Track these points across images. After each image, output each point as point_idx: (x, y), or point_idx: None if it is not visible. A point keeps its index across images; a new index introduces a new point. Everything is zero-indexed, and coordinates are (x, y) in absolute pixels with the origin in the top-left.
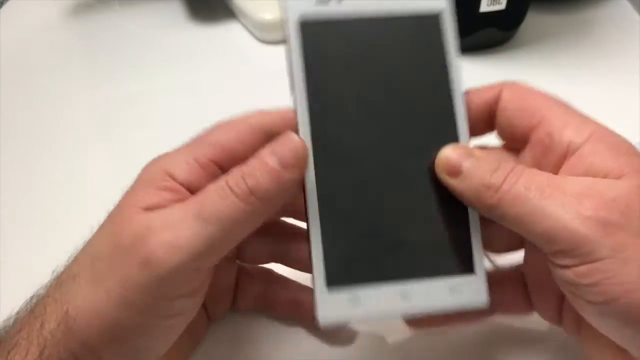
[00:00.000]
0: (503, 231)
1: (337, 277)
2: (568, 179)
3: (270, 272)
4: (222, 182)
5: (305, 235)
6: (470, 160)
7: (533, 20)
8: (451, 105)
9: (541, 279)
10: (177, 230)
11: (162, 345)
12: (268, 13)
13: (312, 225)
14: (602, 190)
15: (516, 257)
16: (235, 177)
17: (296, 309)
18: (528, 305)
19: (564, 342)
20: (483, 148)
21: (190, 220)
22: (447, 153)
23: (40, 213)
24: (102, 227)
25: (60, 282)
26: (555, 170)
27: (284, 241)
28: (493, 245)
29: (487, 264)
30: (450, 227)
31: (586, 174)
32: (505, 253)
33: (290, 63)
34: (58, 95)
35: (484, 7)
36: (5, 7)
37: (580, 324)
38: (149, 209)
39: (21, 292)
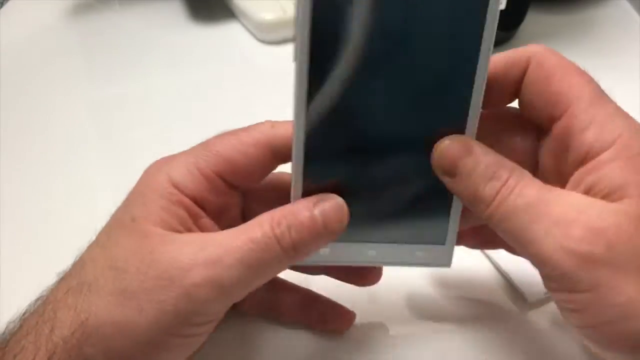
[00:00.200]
0: None
1: None
2: (561, 198)
3: (275, 277)
4: (267, 227)
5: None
6: (467, 160)
7: (533, 20)
8: (469, 91)
9: None
10: (222, 270)
11: (184, 357)
12: (268, 13)
13: (295, 181)
14: (593, 217)
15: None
16: (281, 226)
17: (301, 314)
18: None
19: (564, 342)
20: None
21: (235, 263)
22: (445, 147)
23: (40, 213)
24: (119, 238)
25: (71, 287)
26: (572, 169)
27: (273, 291)
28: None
29: (488, 265)
30: (431, 203)
31: (594, 185)
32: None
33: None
34: (58, 95)
35: None
36: (5, 7)
37: None
38: (174, 230)
39: (21, 292)
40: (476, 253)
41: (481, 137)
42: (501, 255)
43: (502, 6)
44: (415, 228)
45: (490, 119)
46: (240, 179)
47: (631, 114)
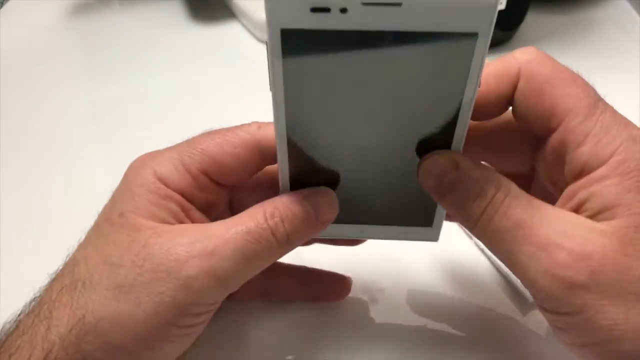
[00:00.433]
0: None
1: None
2: (548, 219)
3: None
4: (261, 218)
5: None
6: (452, 176)
7: (533, 20)
8: (456, 108)
9: None
10: (218, 261)
11: (180, 349)
12: None
13: (282, 174)
14: (578, 242)
15: None
16: (275, 217)
17: (300, 291)
18: None
19: None
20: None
21: (230, 254)
22: (430, 164)
23: (39, 213)
24: (110, 234)
25: (65, 286)
26: (567, 181)
27: (269, 275)
28: None
29: (488, 265)
30: (419, 192)
31: (586, 201)
32: None
33: (270, 71)
34: (58, 95)
35: None
36: (5, 7)
37: None
38: (165, 222)
39: (20, 292)
40: (476, 253)
41: (476, 145)
42: None
43: (502, 6)
44: (403, 212)
45: (485, 127)
46: (225, 177)
47: (631, 114)
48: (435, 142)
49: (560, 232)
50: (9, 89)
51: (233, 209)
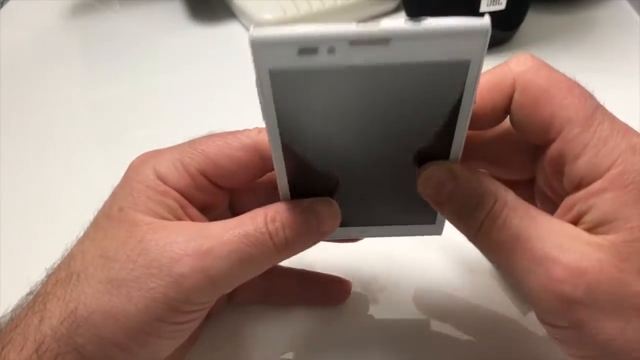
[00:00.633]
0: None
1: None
2: (545, 232)
3: None
4: (261, 222)
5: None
6: (450, 186)
7: (533, 20)
8: (453, 121)
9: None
10: (212, 261)
11: (171, 346)
12: (268, 13)
13: (281, 187)
14: (575, 257)
15: None
16: (275, 223)
17: (300, 295)
18: None
19: None
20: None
21: (225, 255)
22: (428, 175)
23: (40, 212)
24: (107, 229)
25: (60, 279)
26: (567, 191)
27: (268, 278)
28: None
29: (488, 265)
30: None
31: (584, 214)
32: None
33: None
34: (58, 95)
35: (484, 7)
36: (5, 7)
37: None
38: (163, 218)
39: (19, 288)
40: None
41: (475, 154)
42: None
43: (502, 6)
44: (406, 212)
45: (484, 136)
46: (224, 180)
47: (631, 114)
48: (433, 153)
49: (557, 245)
50: (9, 89)
51: (234, 211)
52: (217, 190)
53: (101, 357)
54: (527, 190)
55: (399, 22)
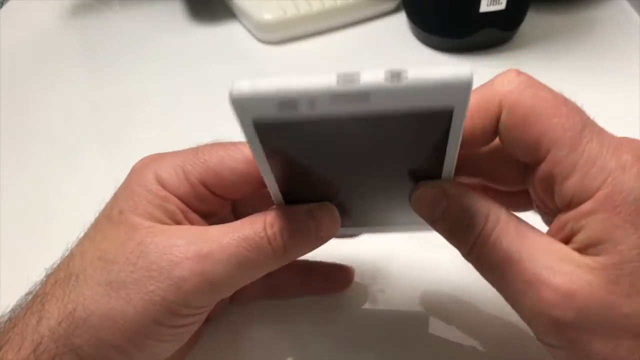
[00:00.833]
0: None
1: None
2: (535, 254)
3: None
4: (260, 227)
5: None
6: (441, 206)
7: (533, 20)
8: (443, 145)
9: None
10: (211, 265)
11: (170, 349)
12: (268, 13)
13: (274, 195)
14: (565, 279)
15: None
16: (274, 228)
17: (303, 285)
18: None
19: None
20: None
21: (224, 259)
22: (419, 195)
23: (40, 213)
24: (107, 231)
25: (59, 279)
26: (558, 208)
27: (270, 274)
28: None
29: None
30: None
31: (575, 233)
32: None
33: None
34: (58, 95)
35: (484, 7)
36: (5, 7)
37: None
38: (162, 223)
39: (19, 288)
40: None
41: (467, 169)
42: None
43: (502, 6)
44: (404, 216)
45: (476, 153)
46: (224, 191)
47: (631, 114)
48: (426, 174)
49: (548, 267)
50: (9, 88)
51: (237, 216)
52: (217, 199)
53: (98, 358)
54: (525, 197)
55: (378, 76)
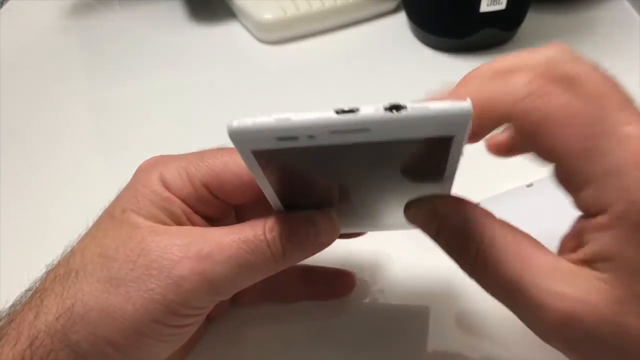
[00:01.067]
0: None
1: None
2: (540, 274)
3: None
4: (260, 230)
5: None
6: (432, 226)
7: (533, 20)
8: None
9: None
10: (211, 265)
11: (167, 350)
12: (268, 13)
13: (273, 203)
14: (571, 303)
15: None
16: (273, 232)
17: (304, 290)
18: None
19: None
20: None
21: (224, 260)
22: (412, 215)
23: (40, 213)
24: (109, 229)
25: (59, 275)
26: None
27: (274, 277)
28: None
29: None
30: None
31: (586, 244)
32: None
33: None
34: (58, 95)
35: (484, 7)
36: (5, 7)
37: None
38: (164, 224)
39: (19, 286)
40: None
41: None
42: None
43: (502, 6)
44: (404, 219)
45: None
46: (227, 195)
47: None
48: (425, 187)
49: (553, 293)
50: (9, 89)
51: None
52: (220, 203)
53: (95, 355)
54: None
55: (378, 109)
